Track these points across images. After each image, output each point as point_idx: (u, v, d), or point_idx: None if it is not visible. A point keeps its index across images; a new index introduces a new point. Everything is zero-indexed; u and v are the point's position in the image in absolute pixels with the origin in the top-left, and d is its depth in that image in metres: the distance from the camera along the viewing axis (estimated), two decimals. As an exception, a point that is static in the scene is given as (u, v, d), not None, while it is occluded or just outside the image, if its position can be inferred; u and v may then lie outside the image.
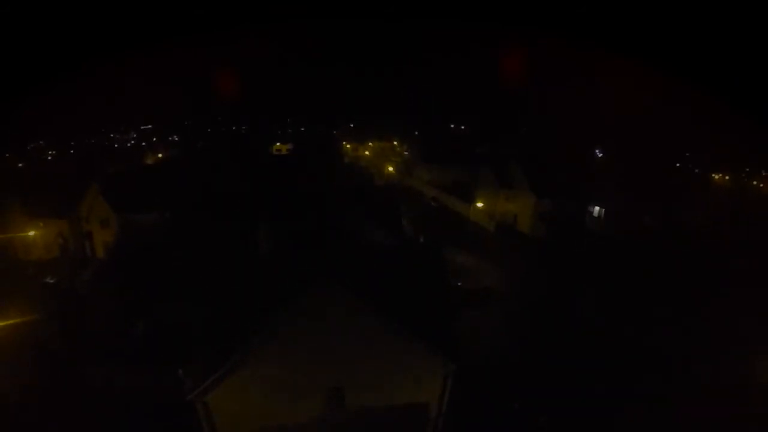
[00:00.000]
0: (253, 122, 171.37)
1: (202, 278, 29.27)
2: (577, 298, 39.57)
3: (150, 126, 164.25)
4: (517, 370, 28.55)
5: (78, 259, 48.34)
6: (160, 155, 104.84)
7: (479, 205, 62.37)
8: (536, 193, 57.99)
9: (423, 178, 79.15)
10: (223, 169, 60.42)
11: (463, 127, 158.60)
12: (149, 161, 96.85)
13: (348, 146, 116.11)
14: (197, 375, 18.66)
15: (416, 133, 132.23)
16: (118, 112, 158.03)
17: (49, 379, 26.75)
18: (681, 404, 25.45)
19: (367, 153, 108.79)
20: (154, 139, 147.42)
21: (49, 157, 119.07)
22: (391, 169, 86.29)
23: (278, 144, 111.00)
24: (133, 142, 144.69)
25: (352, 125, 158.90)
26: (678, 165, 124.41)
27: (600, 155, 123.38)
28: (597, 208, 63.77)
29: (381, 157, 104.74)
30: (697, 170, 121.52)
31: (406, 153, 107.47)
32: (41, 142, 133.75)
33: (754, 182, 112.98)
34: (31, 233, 48.94)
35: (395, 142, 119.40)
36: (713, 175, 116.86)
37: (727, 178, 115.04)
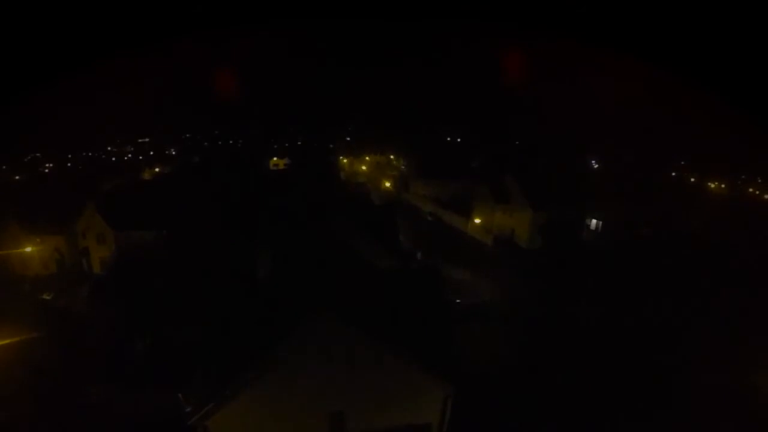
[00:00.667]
0: (249, 136, 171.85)
1: (201, 298, 29.29)
2: (577, 313, 39.62)
3: (147, 139, 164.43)
4: (517, 387, 28.57)
5: (75, 276, 48.13)
6: (157, 169, 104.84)
7: (476, 219, 62.64)
8: (533, 207, 58.36)
9: (419, 193, 79.45)
10: (220, 185, 60.55)
11: (459, 139, 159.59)
12: (146, 176, 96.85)
13: (344, 160, 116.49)
14: (198, 398, 18.63)
15: (412, 146, 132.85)
16: (114, 125, 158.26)
17: (46, 402, 26.47)
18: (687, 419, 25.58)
19: (363, 168, 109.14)
20: (151, 152, 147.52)
21: (46, 170, 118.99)
22: (387, 184, 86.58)
23: (275, 158, 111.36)
24: (130, 155, 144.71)
25: (348, 138, 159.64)
26: (673, 174, 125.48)
27: (596, 165, 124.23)
28: (594, 220, 64.23)
29: (377, 172, 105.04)
30: (692, 179, 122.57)
31: (402, 167, 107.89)
32: (38, 155, 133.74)
33: (750, 189, 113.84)
34: (28, 249, 48.74)
35: (391, 156, 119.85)
36: (709, 183, 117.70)
37: (723, 186, 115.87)
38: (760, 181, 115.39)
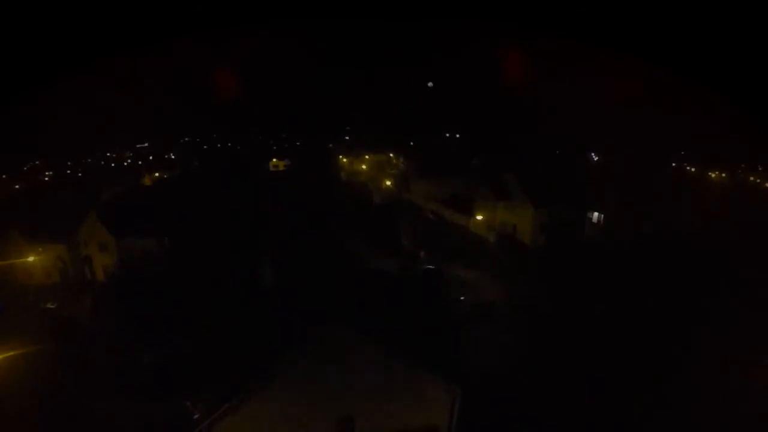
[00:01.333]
0: (248, 138, 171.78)
1: (205, 305, 29.26)
2: (582, 311, 39.47)
3: (146, 144, 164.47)
4: (524, 387, 28.46)
5: (78, 284, 48.17)
6: (156, 174, 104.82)
7: (478, 216, 62.49)
8: (534, 203, 58.16)
9: (421, 192, 79.25)
10: (220, 190, 60.49)
11: (458, 136, 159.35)
12: (146, 182, 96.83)
13: (345, 160, 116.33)
14: (206, 406, 18.62)
15: (411, 144, 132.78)
16: (113, 131, 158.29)
17: (52, 416, 26.39)
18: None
19: (363, 167, 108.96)
20: (150, 157, 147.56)
21: (46, 178, 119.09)
22: (388, 183, 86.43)
23: (275, 160, 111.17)
24: (129, 161, 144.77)
25: (347, 138, 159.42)
26: (674, 164, 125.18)
27: (596, 158, 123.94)
28: (596, 214, 64.01)
29: (378, 171, 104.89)
30: (693, 169, 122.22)
31: (402, 166, 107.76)
32: (37, 163, 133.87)
33: (751, 177, 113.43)
34: (31, 258, 48.77)
35: (391, 155, 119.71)
36: (710, 173, 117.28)
37: (723, 175, 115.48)
38: (760, 169, 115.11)
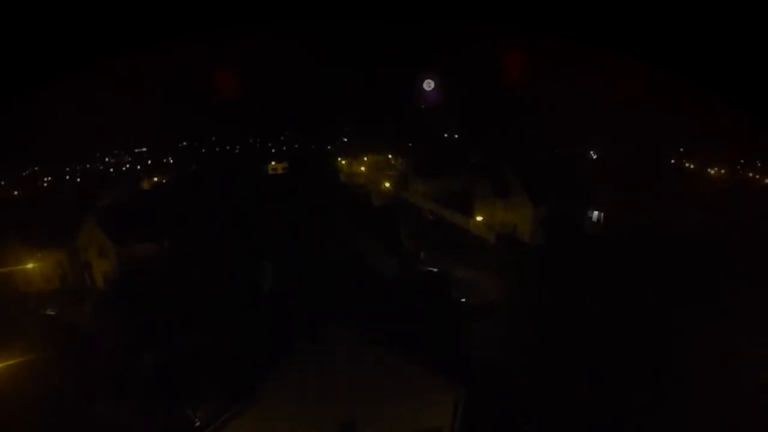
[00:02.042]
0: (246, 140, 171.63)
1: (206, 309, 29.20)
2: (584, 309, 39.40)
3: (144, 149, 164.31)
4: (527, 388, 28.39)
5: (78, 290, 48.05)
6: (155, 179, 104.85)
7: (478, 216, 62.48)
8: (533, 201, 58.24)
9: (419, 191, 79.26)
10: (219, 194, 60.43)
11: (456, 136, 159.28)
12: (145, 186, 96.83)
13: (343, 162, 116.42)
14: (208, 412, 18.57)
15: (410, 144, 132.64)
16: (112, 135, 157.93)
17: (52, 423, 26.25)
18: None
19: (362, 169, 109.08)
20: (149, 161, 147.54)
21: (45, 184, 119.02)
22: (387, 184, 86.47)
23: (273, 163, 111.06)
24: (128, 165, 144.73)
25: (345, 139, 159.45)
26: (672, 161, 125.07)
27: (594, 156, 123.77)
28: (595, 212, 64.09)
29: (376, 172, 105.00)
30: (692, 165, 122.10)
31: (401, 166, 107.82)
32: (36, 168, 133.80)
33: (750, 174, 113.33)
34: (30, 265, 48.65)
35: (389, 156, 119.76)
36: (708, 169, 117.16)
37: (722, 171, 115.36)
38: (760, 165, 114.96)
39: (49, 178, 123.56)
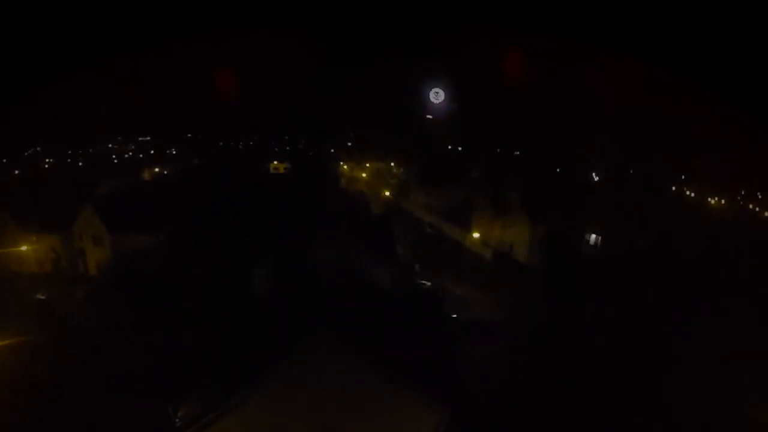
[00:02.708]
0: (250, 138, 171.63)
1: (197, 307, 29.10)
2: (576, 331, 39.30)
3: (148, 137, 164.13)
4: (514, 407, 28.22)
5: (70, 277, 47.92)
6: (156, 169, 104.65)
7: (475, 232, 62.48)
8: (532, 221, 58.24)
9: (419, 202, 79.26)
10: (220, 190, 60.43)
11: (460, 148, 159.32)
12: (146, 176, 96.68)
13: (345, 166, 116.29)
14: (192, 411, 18.51)
15: (413, 153, 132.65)
16: (116, 121, 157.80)
17: (35, 410, 26.14)
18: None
19: (364, 175, 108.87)
20: (152, 151, 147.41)
21: (46, 165, 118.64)
22: (387, 193, 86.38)
23: (276, 162, 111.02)
24: (130, 153, 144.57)
25: (349, 144, 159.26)
26: (674, 188, 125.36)
27: (596, 178, 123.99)
28: (594, 235, 64.05)
29: (377, 179, 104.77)
30: (693, 194, 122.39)
31: (403, 174, 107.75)
32: (38, 149, 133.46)
33: (750, 206, 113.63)
34: (24, 248, 48.52)
35: (392, 164, 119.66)
36: (709, 199, 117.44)
37: (723, 201, 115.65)
38: (760, 196, 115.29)
39: (51, 160, 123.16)
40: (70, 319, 36.69)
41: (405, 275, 43.41)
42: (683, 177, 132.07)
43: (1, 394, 26.92)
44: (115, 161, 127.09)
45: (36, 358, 30.39)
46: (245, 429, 17.72)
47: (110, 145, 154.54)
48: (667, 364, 33.63)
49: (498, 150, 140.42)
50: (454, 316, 40.03)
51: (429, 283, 43.83)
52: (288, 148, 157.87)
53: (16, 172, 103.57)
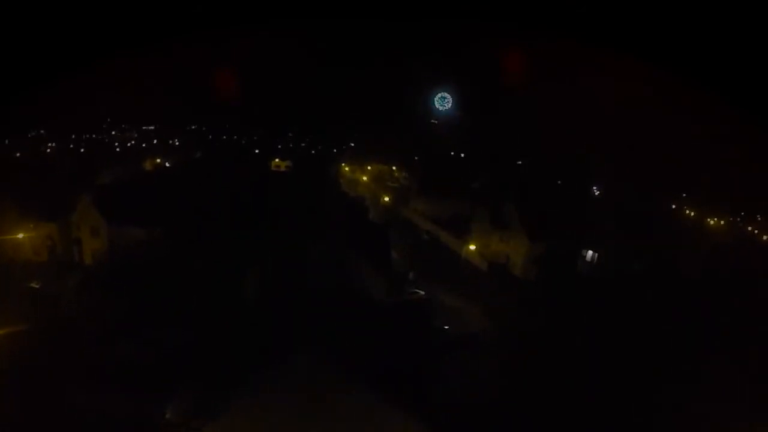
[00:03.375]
0: (253, 134, 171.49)
1: (191, 304, 29.08)
2: (568, 347, 39.31)
3: (152, 127, 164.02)
4: (501, 423, 28.22)
5: (65, 266, 47.83)
6: (158, 160, 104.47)
7: (472, 244, 62.46)
8: (531, 236, 58.26)
9: (419, 210, 79.28)
10: (220, 184, 60.37)
11: (462, 155, 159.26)
12: (147, 166, 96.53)
13: (346, 168, 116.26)
14: (182, 410, 18.53)
15: (416, 158, 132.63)
16: (121, 109, 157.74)
17: (22, 400, 26.11)
18: None
19: (364, 178, 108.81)
20: (155, 141, 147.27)
21: (48, 150, 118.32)
22: (386, 199, 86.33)
23: (278, 160, 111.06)
24: (133, 142, 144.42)
25: (353, 144, 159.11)
26: (674, 207, 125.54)
27: (597, 193, 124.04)
28: (590, 252, 64.08)
29: (378, 183, 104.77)
30: (692, 213, 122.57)
31: (404, 178, 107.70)
32: (42, 132, 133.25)
33: (749, 228, 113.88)
34: (21, 235, 48.41)
35: (393, 168, 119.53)
36: (708, 219, 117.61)
37: (722, 222, 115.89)
38: (759, 219, 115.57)
39: (53, 144, 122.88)
40: (61, 309, 36.64)
41: (399, 283, 43.46)
42: (684, 195, 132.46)
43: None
44: (118, 149, 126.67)
45: (25, 347, 30.33)
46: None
47: (114, 132, 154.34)
48: (659, 384, 33.77)
49: (500, 158, 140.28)
50: (447, 327, 40.09)
51: (423, 292, 43.89)
52: (291, 145, 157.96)
53: (18, 154, 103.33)
